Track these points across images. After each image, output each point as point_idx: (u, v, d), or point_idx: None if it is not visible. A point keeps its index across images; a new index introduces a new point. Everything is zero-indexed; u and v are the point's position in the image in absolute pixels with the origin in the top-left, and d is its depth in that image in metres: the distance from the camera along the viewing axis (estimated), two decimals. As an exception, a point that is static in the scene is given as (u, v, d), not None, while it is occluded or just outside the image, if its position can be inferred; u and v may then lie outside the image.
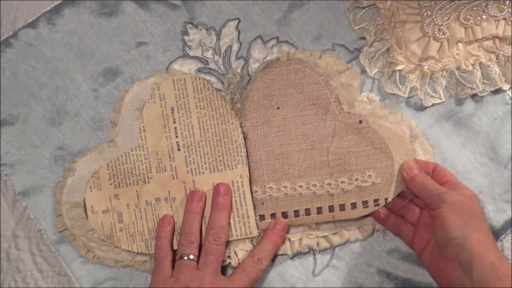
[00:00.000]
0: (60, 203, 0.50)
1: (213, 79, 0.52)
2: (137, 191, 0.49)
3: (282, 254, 0.49)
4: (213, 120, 0.50)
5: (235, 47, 0.53)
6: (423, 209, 0.47)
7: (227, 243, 0.48)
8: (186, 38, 0.53)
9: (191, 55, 0.53)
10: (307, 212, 0.48)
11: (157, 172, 0.49)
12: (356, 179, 0.48)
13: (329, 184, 0.48)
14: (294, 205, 0.48)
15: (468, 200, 0.44)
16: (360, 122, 0.48)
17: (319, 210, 0.48)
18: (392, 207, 0.48)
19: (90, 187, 0.49)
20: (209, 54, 0.53)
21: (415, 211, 0.47)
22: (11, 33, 0.54)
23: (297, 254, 0.49)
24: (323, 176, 0.48)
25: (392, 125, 0.49)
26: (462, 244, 0.42)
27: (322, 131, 0.49)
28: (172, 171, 0.49)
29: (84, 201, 0.49)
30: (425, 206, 0.46)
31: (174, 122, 0.50)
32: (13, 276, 0.51)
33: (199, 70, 0.53)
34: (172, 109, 0.50)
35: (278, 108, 0.49)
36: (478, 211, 0.44)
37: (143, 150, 0.49)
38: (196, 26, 0.53)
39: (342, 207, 0.48)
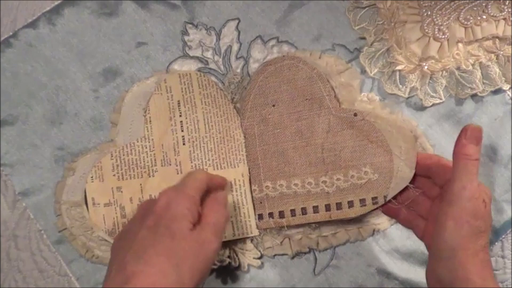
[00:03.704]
0: (59, 203, 0.50)
1: (213, 79, 0.52)
2: (141, 184, 0.49)
3: (282, 254, 0.49)
4: (217, 117, 0.50)
5: (235, 47, 0.53)
6: (434, 200, 0.45)
7: (227, 242, 0.48)
8: (186, 38, 0.53)
9: (191, 55, 0.53)
10: (304, 211, 0.47)
11: (162, 166, 0.49)
12: (352, 176, 0.46)
13: (324, 182, 0.47)
14: (291, 204, 0.48)
15: (478, 210, 0.40)
16: (355, 115, 0.47)
17: (316, 209, 0.47)
18: (401, 200, 0.46)
19: (92, 177, 0.48)
20: (209, 54, 0.53)
21: (424, 204, 0.45)
22: (11, 33, 0.54)
23: (297, 254, 0.49)
24: (318, 173, 0.47)
25: (391, 115, 0.48)
26: (449, 257, 0.40)
27: (316, 126, 0.48)
28: (176, 165, 0.49)
29: (85, 192, 0.48)
30: (436, 197, 0.44)
31: (180, 116, 0.50)
32: (13, 276, 0.51)
33: (199, 70, 0.53)
34: (179, 103, 0.50)
35: (273, 105, 0.49)
36: (478, 226, 0.40)
37: (149, 142, 0.49)
38: (196, 26, 0.54)
39: (338, 206, 0.47)
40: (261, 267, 0.50)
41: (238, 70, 0.52)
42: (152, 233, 0.37)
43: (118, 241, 0.40)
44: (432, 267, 0.42)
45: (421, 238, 0.45)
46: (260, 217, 0.48)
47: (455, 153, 0.41)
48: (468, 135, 0.41)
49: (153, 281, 0.35)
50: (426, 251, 0.44)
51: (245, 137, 0.49)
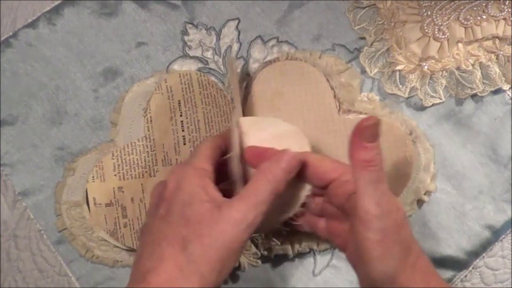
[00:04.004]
0: (59, 203, 0.50)
1: (213, 79, 0.52)
2: (142, 184, 0.49)
3: (282, 254, 0.49)
4: (218, 117, 0.50)
5: (235, 47, 0.53)
6: (321, 196, 0.38)
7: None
8: (186, 38, 0.53)
9: (191, 55, 0.53)
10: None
11: (163, 165, 0.49)
12: None
13: None
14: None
15: (398, 218, 0.34)
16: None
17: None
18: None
19: (93, 177, 0.48)
20: (209, 54, 0.53)
21: (314, 201, 0.39)
22: (11, 33, 0.54)
23: (297, 254, 0.49)
24: None
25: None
26: (386, 284, 0.34)
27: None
28: None
29: (86, 192, 0.48)
30: (323, 195, 0.38)
31: (181, 116, 0.49)
32: (13, 276, 0.51)
33: (199, 70, 0.53)
34: (179, 103, 0.49)
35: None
36: (405, 236, 0.34)
37: (150, 141, 0.49)
38: (196, 26, 0.54)
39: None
40: (261, 267, 0.50)
41: (238, 70, 0.52)
42: (166, 223, 0.34)
43: (141, 236, 0.37)
44: None
45: (328, 238, 0.40)
46: None
47: (353, 160, 0.33)
48: (366, 135, 0.33)
49: (167, 278, 0.31)
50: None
51: None
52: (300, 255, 0.50)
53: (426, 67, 0.50)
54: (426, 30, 0.50)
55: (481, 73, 0.50)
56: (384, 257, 0.33)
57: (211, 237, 0.32)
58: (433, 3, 0.51)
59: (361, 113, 0.48)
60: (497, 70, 0.50)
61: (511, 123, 0.50)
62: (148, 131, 0.49)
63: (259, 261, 0.49)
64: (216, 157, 0.37)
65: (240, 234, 0.33)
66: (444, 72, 0.50)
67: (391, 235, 0.33)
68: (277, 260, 0.50)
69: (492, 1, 0.50)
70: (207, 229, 0.32)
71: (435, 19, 0.50)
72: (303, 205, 0.39)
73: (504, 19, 0.50)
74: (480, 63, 0.50)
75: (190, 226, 0.33)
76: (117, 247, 0.49)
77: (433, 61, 0.50)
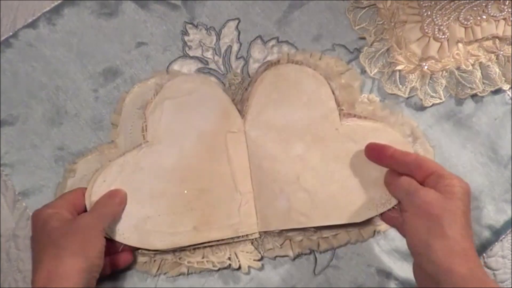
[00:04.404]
0: (60, 204, 0.50)
1: (213, 80, 0.52)
2: None
3: (283, 256, 0.49)
4: None
5: (235, 47, 0.53)
6: None
7: (228, 244, 0.48)
8: (186, 38, 0.53)
9: (191, 55, 0.53)
10: None
11: None
12: None
13: None
14: None
15: (441, 200, 0.39)
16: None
17: None
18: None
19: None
20: (209, 54, 0.53)
21: None
22: (11, 33, 0.54)
23: (298, 256, 0.49)
24: None
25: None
26: (425, 253, 0.38)
27: None
28: None
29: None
30: None
31: None
32: (13, 276, 0.51)
33: (199, 70, 0.53)
34: None
35: None
36: (452, 211, 0.38)
37: None
38: (196, 26, 0.54)
39: None
40: (262, 268, 0.49)
41: (238, 70, 0.52)
42: (36, 243, 0.44)
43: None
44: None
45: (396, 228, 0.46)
46: None
47: (394, 181, 0.43)
48: (389, 154, 0.43)
49: (49, 268, 0.41)
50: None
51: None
52: (301, 255, 0.49)
53: (426, 67, 0.50)
54: (426, 30, 0.50)
55: (481, 73, 0.50)
56: (417, 225, 0.39)
57: (72, 229, 0.43)
58: (433, 3, 0.51)
59: (361, 117, 0.48)
60: (497, 70, 0.50)
61: (511, 123, 0.50)
62: (144, 139, 0.49)
63: (260, 263, 0.49)
64: (70, 197, 0.47)
65: (94, 225, 0.44)
66: (444, 72, 0.50)
67: (424, 209, 0.39)
68: (278, 261, 0.50)
69: (492, 1, 0.50)
70: (67, 228, 0.43)
71: (435, 19, 0.50)
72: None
73: (504, 19, 0.50)
74: (480, 63, 0.50)
75: (52, 234, 0.42)
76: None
77: (433, 61, 0.50)
